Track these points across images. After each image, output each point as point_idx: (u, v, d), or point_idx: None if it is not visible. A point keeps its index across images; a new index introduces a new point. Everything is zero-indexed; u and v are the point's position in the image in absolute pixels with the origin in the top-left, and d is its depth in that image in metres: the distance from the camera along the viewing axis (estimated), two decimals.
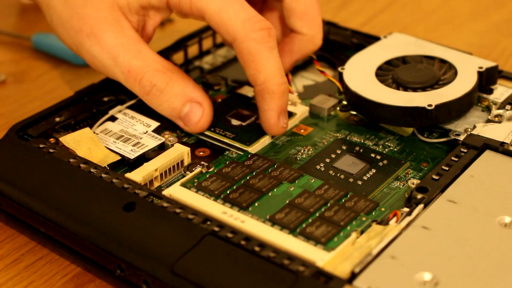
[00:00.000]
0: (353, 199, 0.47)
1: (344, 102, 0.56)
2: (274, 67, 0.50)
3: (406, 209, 0.45)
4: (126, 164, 0.51)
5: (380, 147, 0.53)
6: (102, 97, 0.56)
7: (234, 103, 0.57)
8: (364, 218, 0.45)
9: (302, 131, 0.55)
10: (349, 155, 0.52)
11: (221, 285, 0.41)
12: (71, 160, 0.49)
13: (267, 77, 0.50)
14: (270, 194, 0.47)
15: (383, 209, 0.46)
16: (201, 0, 0.50)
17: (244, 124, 0.55)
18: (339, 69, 0.56)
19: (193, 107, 0.52)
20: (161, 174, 0.50)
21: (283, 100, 0.51)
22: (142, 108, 0.54)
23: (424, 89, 0.54)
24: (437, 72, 0.55)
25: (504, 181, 0.47)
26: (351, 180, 0.50)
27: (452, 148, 0.52)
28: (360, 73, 0.55)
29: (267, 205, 0.46)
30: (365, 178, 0.50)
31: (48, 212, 0.46)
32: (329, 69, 0.63)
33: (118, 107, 0.55)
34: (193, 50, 0.64)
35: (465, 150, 0.50)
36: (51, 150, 0.50)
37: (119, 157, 0.51)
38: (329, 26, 0.64)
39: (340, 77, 0.56)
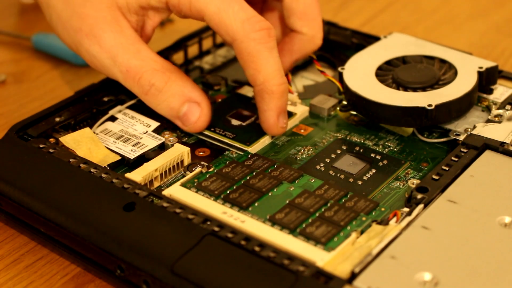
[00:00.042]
0: (353, 199, 0.47)
1: (344, 102, 0.56)
2: (274, 67, 0.50)
3: (406, 209, 0.45)
4: (126, 164, 0.51)
5: (380, 147, 0.53)
6: (102, 97, 0.56)
7: (234, 103, 0.57)
8: (364, 218, 0.45)
9: (302, 131, 0.55)
10: (349, 155, 0.52)
11: (221, 285, 0.41)
12: (71, 160, 0.49)
13: (267, 77, 0.50)
14: (270, 194, 0.47)
15: (383, 209, 0.46)
16: (200, 1, 0.50)
17: (244, 124, 0.55)
18: (339, 69, 0.56)
19: (191, 107, 0.52)
20: (161, 174, 0.50)
21: (282, 100, 0.51)
22: (142, 108, 0.54)
23: (424, 89, 0.54)
24: (437, 72, 0.55)
25: (504, 181, 0.47)
26: (351, 180, 0.50)
27: (452, 148, 0.52)
28: (360, 73, 0.55)
29: (267, 205, 0.46)
30: (365, 178, 0.50)
31: (48, 212, 0.46)
32: (329, 69, 0.63)
33: (118, 107, 0.55)
34: (193, 50, 0.64)
35: (465, 150, 0.50)
36: (51, 150, 0.50)
37: (119, 157, 0.51)
38: (329, 26, 0.64)
39: (340, 77, 0.56)
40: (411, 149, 0.53)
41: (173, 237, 0.43)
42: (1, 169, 0.49)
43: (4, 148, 0.51)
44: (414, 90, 0.54)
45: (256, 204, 0.46)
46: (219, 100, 0.58)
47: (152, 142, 0.52)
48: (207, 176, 0.48)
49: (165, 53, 0.61)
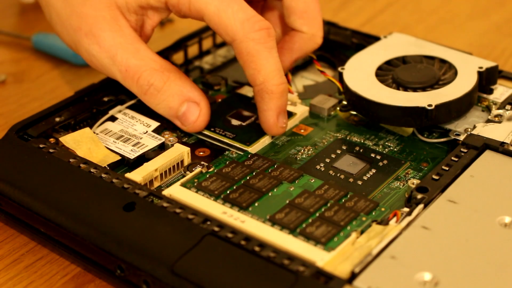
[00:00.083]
0: (353, 199, 0.47)
1: (344, 102, 0.56)
2: (273, 67, 0.50)
3: (406, 209, 0.45)
4: (126, 164, 0.51)
5: (380, 147, 0.53)
6: (102, 97, 0.56)
7: (234, 103, 0.57)
8: (364, 218, 0.45)
9: (302, 131, 0.55)
10: (349, 155, 0.52)
11: (221, 285, 0.41)
12: (71, 160, 0.49)
13: (266, 77, 0.50)
14: (270, 194, 0.47)
15: (383, 209, 0.46)
16: (200, 1, 0.50)
17: (244, 124, 0.55)
18: (339, 69, 0.56)
19: (190, 107, 0.52)
20: (161, 174, 0.50)
21: (282, 100, 0.51)
22: (142, 108, 0.54)
23: (424, 89, 0.54)
24: (437, 72, 0.55)
25: (504, 181, 0.47)
26: (351, 180, 0.50)
27: (452, 148, 0.52)
28: (360, 73, 0.55)
29: (267, 205, 0.46)
30: (365, 178, 0.50)
31: (48, 212, 0.46)
32: (329, 69, 0.63)
33: (118, 107, 0.55)
34: (193, 50, 0.64)
35: (465, 150, 0.50)
36: (51, 150, 0.50)
37: (119, 157, 0.51)
38: (329, 26, 0.64)
39: (340, 77, 0.56)
40: (411, 149, 0.53)
41: (173, 237, 0.43)
42: (1, 169, 0.49)
43: (4, 148, 0.51)
44: (414, 90, 0.54)
45: (256, 204, 0.46)
46: (219, 100, 0.58)
47: (152, 142, 0.52)
48: (207, 176, 0.48)
49: (165, 53, 0.61)
